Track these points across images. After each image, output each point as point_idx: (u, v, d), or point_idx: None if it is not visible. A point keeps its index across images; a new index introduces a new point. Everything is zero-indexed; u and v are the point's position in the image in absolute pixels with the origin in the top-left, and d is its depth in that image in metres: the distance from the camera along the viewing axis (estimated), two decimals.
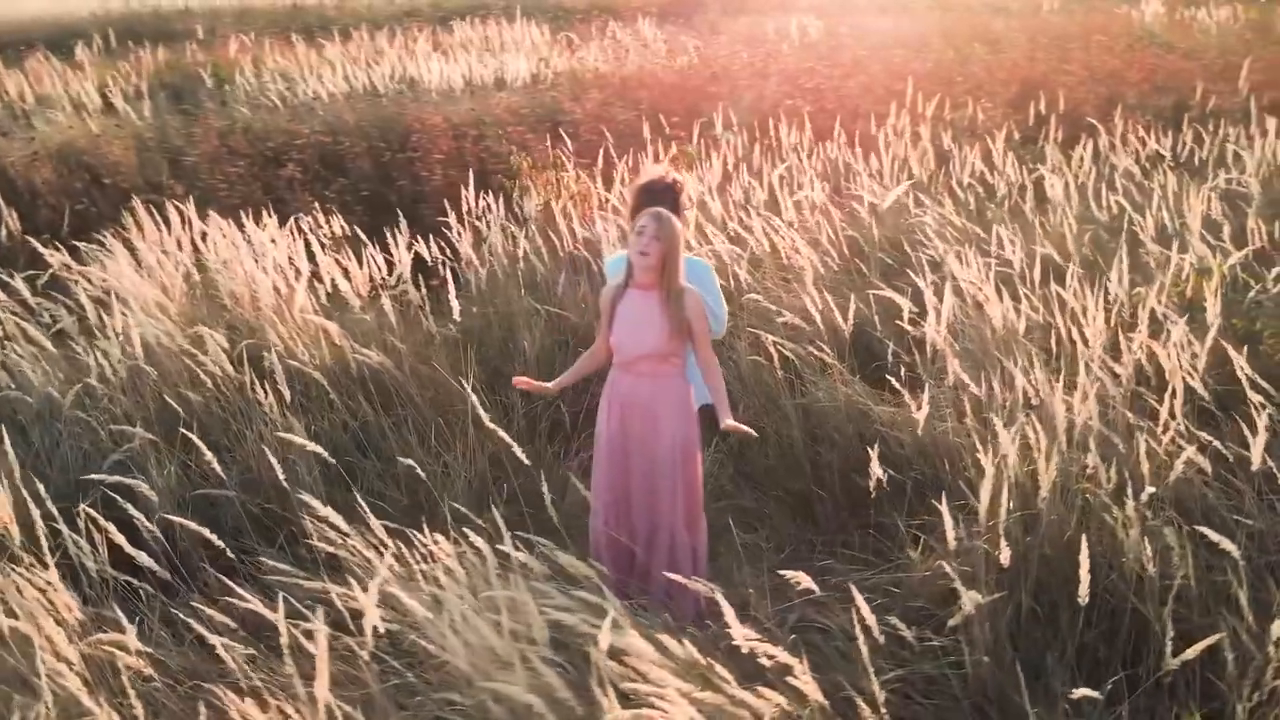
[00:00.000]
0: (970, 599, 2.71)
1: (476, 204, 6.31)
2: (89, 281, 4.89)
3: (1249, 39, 14.15)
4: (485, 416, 3.25)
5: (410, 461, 3.42)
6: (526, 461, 3.19)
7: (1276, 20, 15.19)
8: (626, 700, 2.23)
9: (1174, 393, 3.28)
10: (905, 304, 4.35)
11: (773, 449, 4.71)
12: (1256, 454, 3.00)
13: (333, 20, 17.59)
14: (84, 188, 7.18)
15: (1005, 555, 2.85)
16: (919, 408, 3.55)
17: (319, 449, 3.27)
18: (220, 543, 2.89)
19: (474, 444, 4.32)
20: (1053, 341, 4.17)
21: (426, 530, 2.92)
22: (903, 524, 3.55)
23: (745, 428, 3.41)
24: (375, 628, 2.43)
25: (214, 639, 2.56)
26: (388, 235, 5.39)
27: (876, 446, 3.48)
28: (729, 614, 2.38)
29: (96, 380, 4.29)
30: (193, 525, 2.87)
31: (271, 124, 8.69)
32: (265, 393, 4.11)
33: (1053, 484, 3.07)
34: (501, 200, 6.20)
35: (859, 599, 2.48)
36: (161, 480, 3.84)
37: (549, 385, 3.65)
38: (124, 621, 2.57)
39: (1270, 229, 5.59)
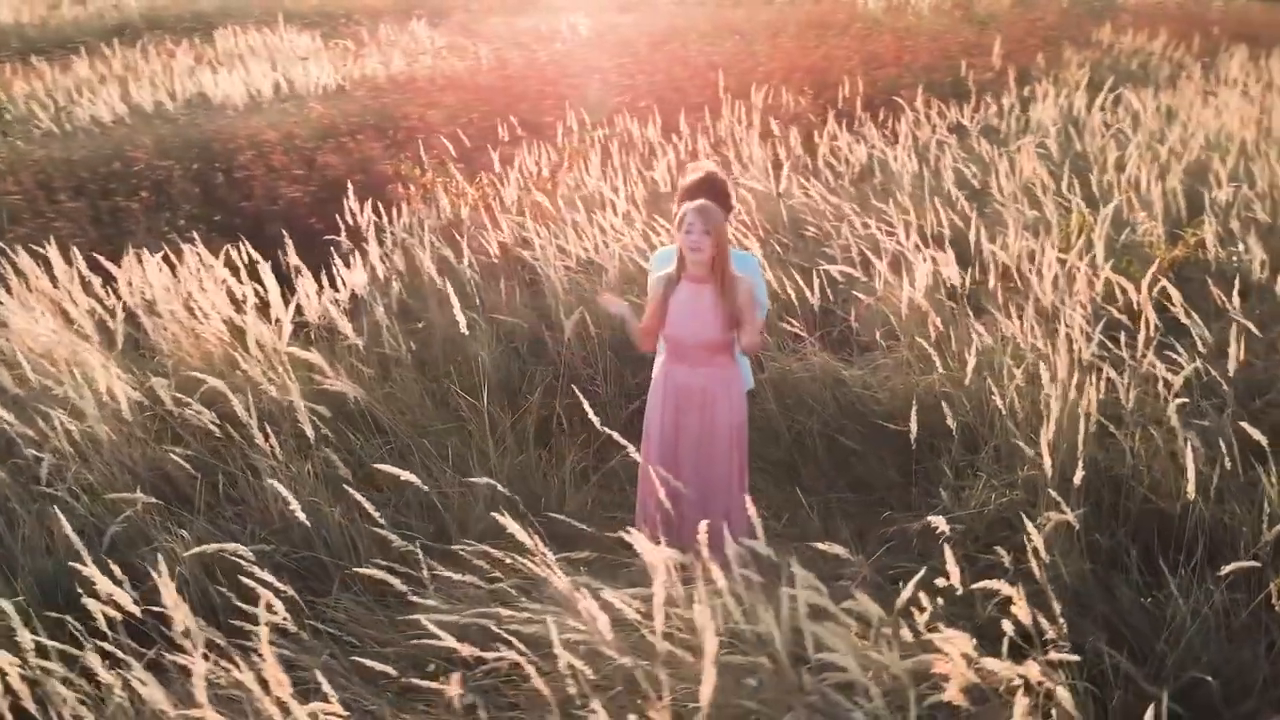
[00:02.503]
0: (1057, 517, 3.10)
1: (360, 218, 6.07)
2: None
3: (957, 18, 16.02)
4: (596, 421, 3.24)
5: (490, 480, 3.34)
6: (639, 458, 3.23)
7: (975, 3, 17.25)
8: None
9: (1147, 323, 3.85)
10: (877, 280, 4.72)
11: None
12: (1232, 363, 3.60)
13: (36, 40, 15.83)
14: None
15: (1079, 476, 3.26)
16: (966, 364, 3.89)
17: (414, 478, 3.13)
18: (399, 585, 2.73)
19: (493, 460, 4.24)
20: (998, 294, 4.70)
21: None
22: (949, 470, 3.89)
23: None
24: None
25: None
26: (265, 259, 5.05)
27: (914, 404, 3.80)
28: (951, 563, 2.59)
29: (51, 448, 3.81)
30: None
31: (65, 153, 7.79)
32: (266, 436, 3.83)
33: (1087, 411, 3.52)
34: (404, 210, 6.00)
35: (1032, 529, 2.77)
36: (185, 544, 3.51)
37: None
38: (327, 689, 2.40)
39: (1093, 182, 6.52)
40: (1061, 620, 2.74)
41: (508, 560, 2.90)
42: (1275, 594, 2.96)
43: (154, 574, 2.48)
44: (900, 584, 3.41)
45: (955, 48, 11.59)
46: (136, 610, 2.52)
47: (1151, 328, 3.87)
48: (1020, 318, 4.11)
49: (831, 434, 4.72)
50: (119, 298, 4.69)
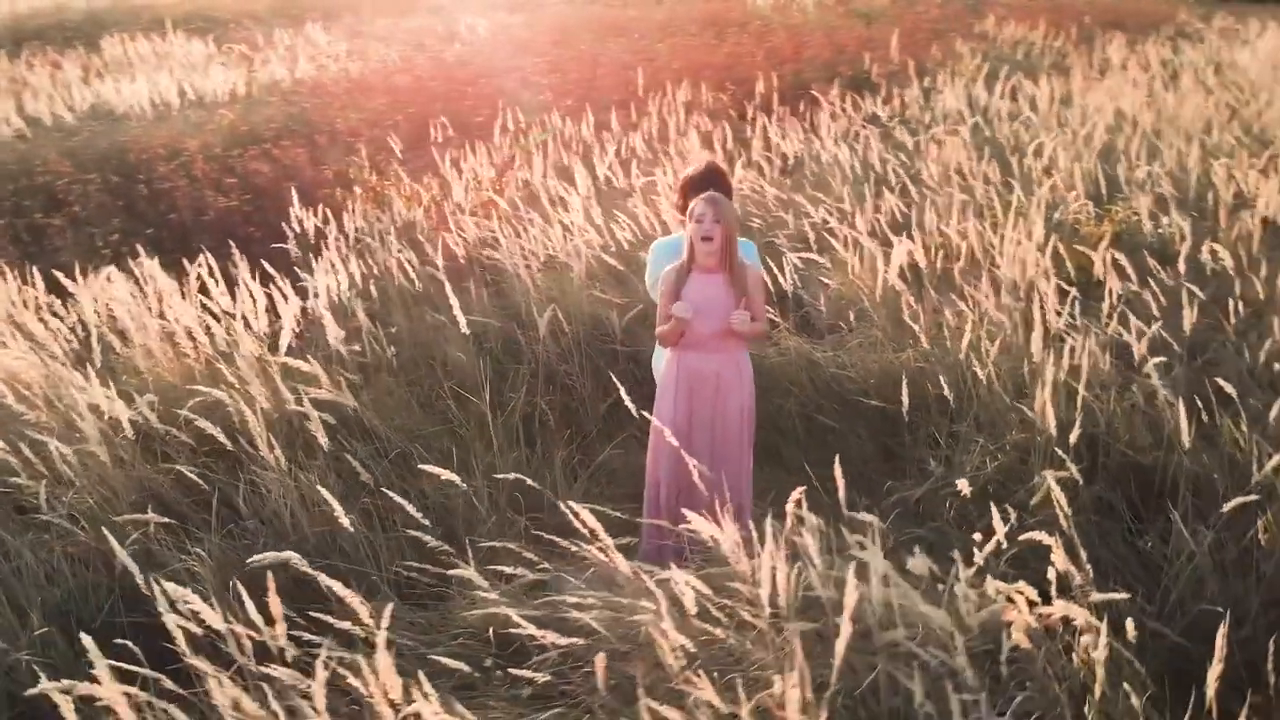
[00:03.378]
0: (1057, 473, 3.34)
1: (307, 224, 5.98)
2: None
3: (840, 13, 16.56)
4: (633, 408, 3.32)
5: (520, 475, 3.39)
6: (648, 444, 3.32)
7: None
8: None
9: (1110, 292, 4.15)
10: (848, 265, 4.92)
11: None
12: (1187, 324, 3.94)
13: None
14: None
15: (1075, 434, 3.52)
16: (961, 338, 4.10)
17: (454, 477, 3.15)
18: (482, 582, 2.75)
19: (495, 459, 4.25)
20: (956, 273, 4.97)
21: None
22: (941, 439, 4.11)
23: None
24: None
25: None
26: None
27: (903, 379, 4.00)
28: (996, 521, 2.77)
29: (32, 474, 3.67)
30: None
31: None
32: (272, 447, 3.77)
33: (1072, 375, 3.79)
34: (355, 215, 5.92)
35: (1055, 487, 2.98)
36: (203, 562, 3.44)
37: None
38: (428, 688, 2.41)
39: (1013, 166, 6.91)
40: (1088, 566, 2.97)
41: (573, 548, 2.95)
42: (1262, 530, 3.26)
43: (240, 591, 2.45)
44: (917, 548, 3.63)
45: (852, 43, 12.01)
46: (222, 627, 2.47)
47: (1115, 296, 4.18)
48: (995, 293, 4.37)
49: (809, 414, 4.91)
50: (80, 318, 4.51)
